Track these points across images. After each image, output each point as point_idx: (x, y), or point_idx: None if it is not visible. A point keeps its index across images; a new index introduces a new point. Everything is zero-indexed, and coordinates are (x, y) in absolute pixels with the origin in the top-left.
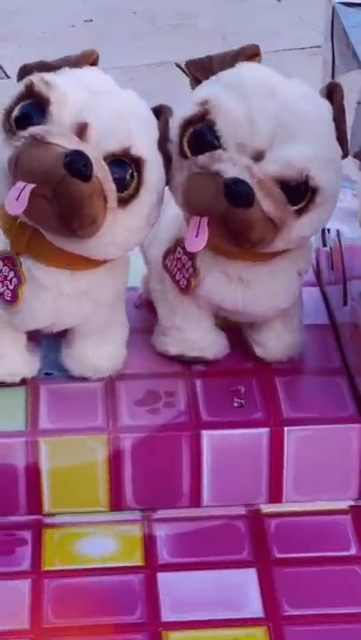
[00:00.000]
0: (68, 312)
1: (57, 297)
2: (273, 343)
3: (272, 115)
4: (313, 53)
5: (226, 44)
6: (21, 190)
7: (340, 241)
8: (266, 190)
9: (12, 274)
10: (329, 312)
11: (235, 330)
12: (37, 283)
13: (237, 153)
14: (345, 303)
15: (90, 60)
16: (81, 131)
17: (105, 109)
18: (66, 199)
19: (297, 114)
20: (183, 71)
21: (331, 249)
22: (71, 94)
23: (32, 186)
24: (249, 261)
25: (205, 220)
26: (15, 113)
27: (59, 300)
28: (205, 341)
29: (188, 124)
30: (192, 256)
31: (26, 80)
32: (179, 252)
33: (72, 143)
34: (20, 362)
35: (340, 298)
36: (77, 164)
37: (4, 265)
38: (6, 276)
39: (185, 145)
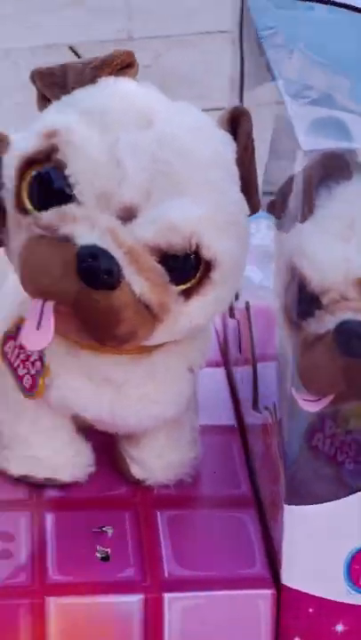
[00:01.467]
0: None
1: None
2: (155, 462)
3: (148, 155)
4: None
5: (132, 24)
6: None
7: (248, 314)
8: (138, 264)
9: (35, 355)
10: (235, 405)
11: (105, 440)
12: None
13: (98, 209)
14: (255, 406)
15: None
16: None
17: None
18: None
19: (185, 154)
20: (77, 55)
21: (238, 323)
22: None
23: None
24: (119, 356)
25: (50, 306)
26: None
27: None
28: (61, 458)
29: (28, 164)
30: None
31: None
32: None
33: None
34: None
35: (250, 392)
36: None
37: None
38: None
39: (24, 194)
